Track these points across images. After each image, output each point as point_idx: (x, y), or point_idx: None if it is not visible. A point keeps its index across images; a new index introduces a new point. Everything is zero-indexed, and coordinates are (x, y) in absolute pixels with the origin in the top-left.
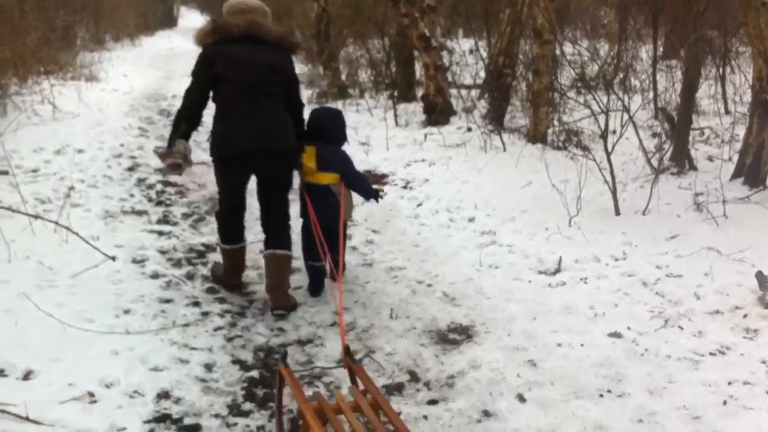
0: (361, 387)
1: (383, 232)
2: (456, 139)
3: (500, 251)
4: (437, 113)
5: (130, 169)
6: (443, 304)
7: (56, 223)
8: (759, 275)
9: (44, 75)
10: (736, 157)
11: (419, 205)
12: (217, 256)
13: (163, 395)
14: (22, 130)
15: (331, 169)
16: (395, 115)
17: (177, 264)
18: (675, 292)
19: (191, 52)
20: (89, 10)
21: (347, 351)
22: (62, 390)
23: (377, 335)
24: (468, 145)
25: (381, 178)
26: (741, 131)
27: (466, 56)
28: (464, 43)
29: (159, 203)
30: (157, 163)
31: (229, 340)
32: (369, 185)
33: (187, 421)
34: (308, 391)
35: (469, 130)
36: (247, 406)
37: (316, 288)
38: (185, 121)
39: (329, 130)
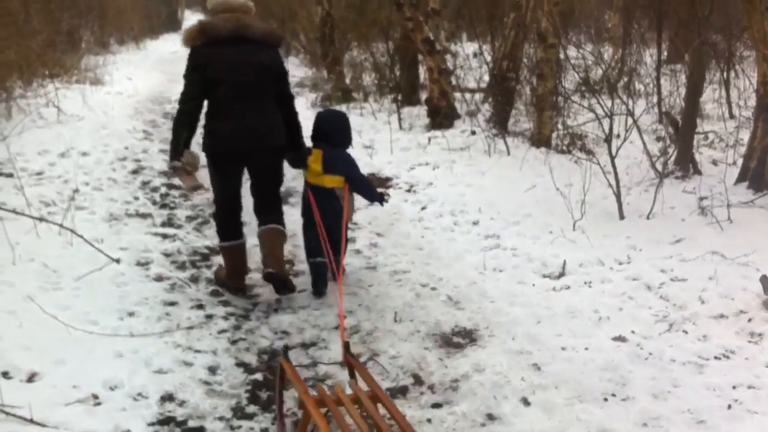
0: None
1: (387, 236)
2: (460, 143)
3: (504, 255)
4: (441, 117)
5: (135, 172)
6: (447, 307)
7: (61, 225)
8: (763, 279)
9: (49, 78)
10: (740, 161)
11: (423, 208)
12: (221, 260)
13: (167, 398)
14: (26, 133)
15: (337, 172)
16: (399, 119)
17: (181, 267)
18: (679, 296)
19: None
20: (94, 14)
21: (347, 347)
22: (66, 392)
23: (381, 338)
24: (472, 149)
25: (385, 182)
26: (745, 135)
27: (470, 60)
28: (468, 47)
29: (163, 206)
30: (161, 166)
31: (233, 342)
32: (374, 188)
33: (191, 423)
34: (311, 392)
35: (473, 133)
36: (251, 408)
37: (319, 285)
38: (185, 128)
39: (335, 133)
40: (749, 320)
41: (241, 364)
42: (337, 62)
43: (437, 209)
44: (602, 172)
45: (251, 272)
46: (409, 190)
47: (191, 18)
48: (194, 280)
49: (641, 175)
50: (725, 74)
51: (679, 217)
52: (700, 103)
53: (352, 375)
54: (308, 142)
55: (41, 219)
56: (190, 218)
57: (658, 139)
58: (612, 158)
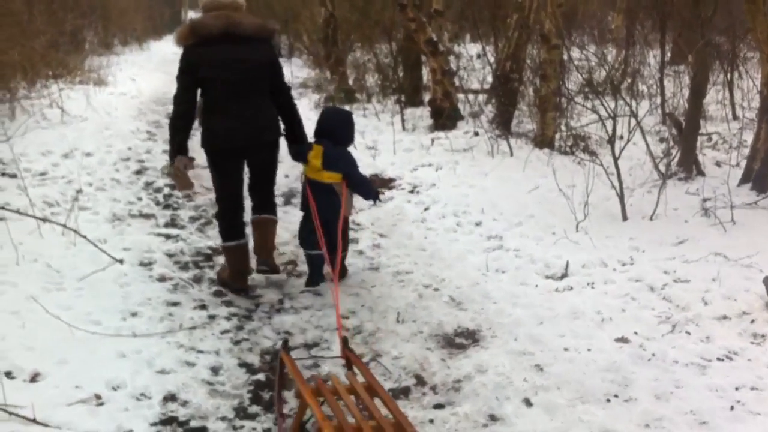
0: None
1: (390, 236)
2: (463, 144)
3: (507, 256)
4: (444, 118)
5: (138, 172)
6: (450, 308)
7: (64, 226)
8: (766, 280)
9: (53, 79)
10: (743, 163)
11: (426, 209)
12: (223, 260)
13: (170, 398)
14: (30, 134)
15: (336, 169)
16: (402, 120)
17: (184, 267)
18: (682, 297)
19: None
20: (97, 14)
21: (345, 342)
22: (69, 392)
23: (384, 339)
24: (475, 150)
25: (388, 182)
26: (749, 137)
27: (474, 61)
28: (471, 48)
29: (166, 206)
30: (164, 166)
31: (236, 343)
32: (371, 187)
33: (193, 423)
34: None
35: (476, 134)
36: (254, 409)
37: (314, 276)
38: (179, 131)
39: (339, 130)
40: (752, 321)
41: (243, 365)
42: (340, 63)
43: (440, 210)
44: (605, 174)
45: (254, 272)
46: (412, 191)
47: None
48: (197, 280)
49: (644, 176)
50: (729, 75)
51: (682, 219)
52: (704, 104)
53: (350, 368)
54: (311, 138)
55: (44, 219)
56: (193, 219)
57: (662, 140)
58: (615, 159)
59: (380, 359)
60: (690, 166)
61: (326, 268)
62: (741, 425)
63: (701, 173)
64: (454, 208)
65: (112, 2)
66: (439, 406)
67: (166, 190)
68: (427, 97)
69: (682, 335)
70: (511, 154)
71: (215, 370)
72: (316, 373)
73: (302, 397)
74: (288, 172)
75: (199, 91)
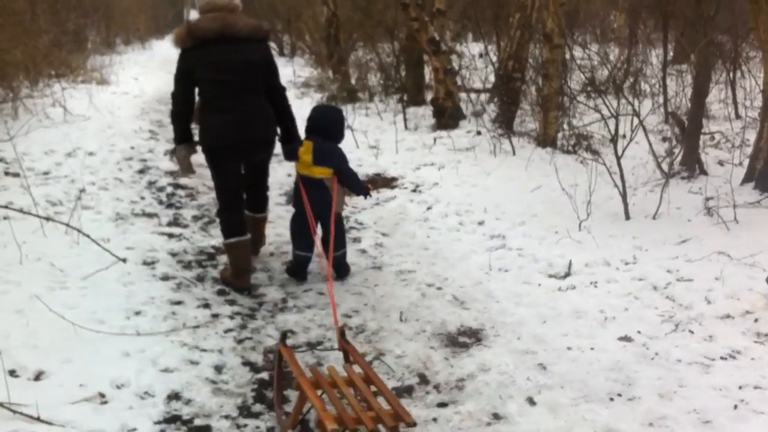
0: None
1: (393, 236)
2: (465, 143)
3: (510, 255)
4: (447, 117)
5: (141, 171)
6: (453, 307)
7: (67, 225)
8: None
9: (55, 78)
10: (746, 162)
11: (429, 208)
12: (226, 259)
13: (174, 396)
14: (33, 133)
15: (327, 164)
16: (404, 119)
17: (187, 266)
18: (685, 296)
19: None
20: (100, 14)
21: (342, 334)
22: (73, 391)
23: (387, 338)
24: (477, 149)
25: (390, 182)
26: (751, 136)
27: (476, 60)
28: (474, 47)
29: (169, 206)
30: (167, 165)
31: (240, 341)
32: (360, 182)
33: (197, 422)
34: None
35: (479, 133)
36: (258, 407)
37: (298, 275)
38: (179, 123)
39: (329, 127)
40: (755, 320)
41: (247, 363)
42: (343, 62)
43: (443, 209)
44: (608, 173)
45: (256, 271)
46: (414, 191)
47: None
48: (200, 279)
49: (647, 175)
50: (731, 75)
51: (685, 218)
52: (706, 103)
53: (347, 359)
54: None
55: (48, 218)
56: (196, 218)
57: (664, 139)
58: (618, 158)
59: (383, 358)
60: (693, 165)
61: (323, 263)
62: (744, 424)
63: (704, 172)
64: (457, 208)
65: (115, 2)
66: (442, 405)
67: (169, 189)
68: (429, 96)
69: (685, 334)
70: (514, 154)
71: (219, 369)
72: (314, 366)
73: (301, 389)
74: (290, 171)
75: (196, 91)
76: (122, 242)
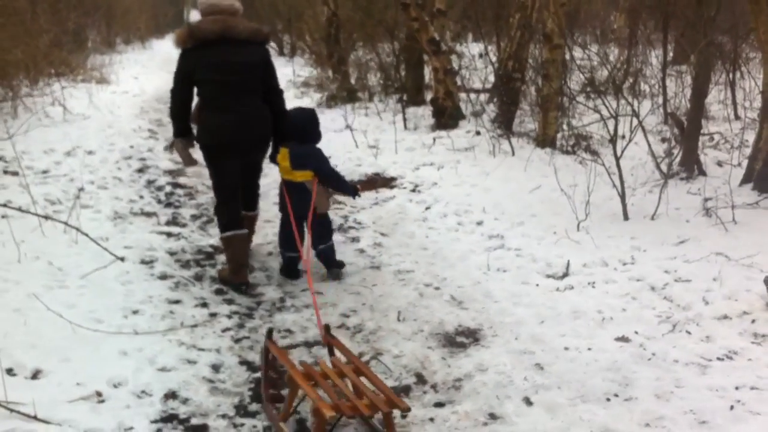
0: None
1: (391, 235)
2: (465, 143)
3: (508, 255)
4: (446, 117)
5: (140, 170)
6: (451, 307)
7: (66, 223)
8: (767, 281)
9: (55, 77)
10: (745, 163)
11: (427, 208)
12: (225, 258)
13: (171, 395)
14: (32, 132)
15: (305, 167)
16: (404, 119)
17: (185, 265)
18: (683, 296)
19: None
20: (101, 13)
21: (327, 329)
22: (70, 389)
23: (385, 338)
24: (477, 149)
25: (389, 182)
26: (750, 136)
27: (476, 60)
28: (474, 47)
29: (168, 205)
30: (166, 165)
31: (237, 341)
32: (345, 181)
33: (194, 421)
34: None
35: (478, 134)
36: (254, 406)
37: (291, 274)
38: (178, 118)
39: (304, 128)
40: (753, 321)
41: (244, 363)
42: (343, 62)
43: (442, 209)
44: (607, 173)
45: (255, 270)
46: (413, 190)
47: (197, 18)
48: (198, 278)
49: (646, 176)
50: (731, 75)
51: (684, 218)
52: (706, 104)
53: (331, 353)
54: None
55: (47, 217)
56: (194, 217)
57: (663, 140)
58: (617, 159)
59: (381, 358)
60: (692, 166)
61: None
62: (741, 425)
63: (703, 173)
64: (456, 208)
65: (116, 1)
66: (439, 405)
67: (168, 188)
68: (429, 96)
69: (682, 335)
70: (513, 154)
71: (216, 368)
72: (303, 360)
73: (294, 381)
74: None
75: (195, 90)
76: (121, 241)
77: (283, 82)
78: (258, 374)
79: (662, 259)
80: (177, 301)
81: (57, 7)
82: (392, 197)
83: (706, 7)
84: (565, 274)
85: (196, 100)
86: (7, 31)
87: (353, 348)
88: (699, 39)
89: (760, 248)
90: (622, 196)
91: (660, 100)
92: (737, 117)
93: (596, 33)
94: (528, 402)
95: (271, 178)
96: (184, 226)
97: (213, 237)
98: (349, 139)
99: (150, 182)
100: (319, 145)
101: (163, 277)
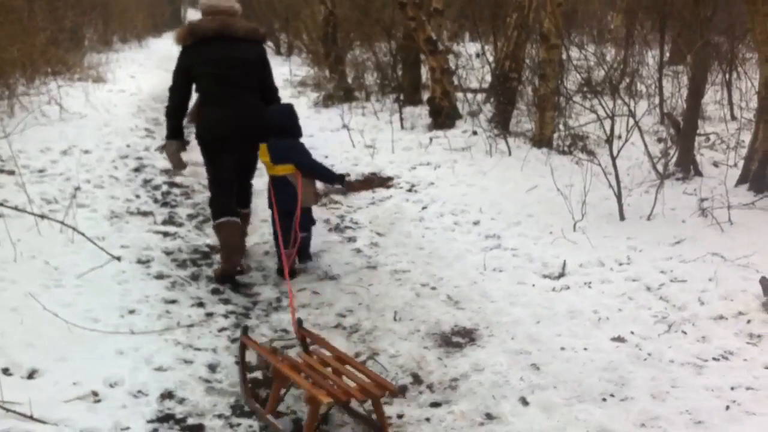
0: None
1: (388, 235)
2: (461, 143)
3: (505, 255)
4: (443, 117)
5: (137, 170)
6: (447, 307)
7: (62, 223)
8: (763, 281)
9: (52, 76)
10: (741, 163)
11: (424, 208)
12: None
13: (167, 395)
14: (29, 131)
15: (286, 161)
16: (401, 119)
17: (182, 265)
18: (679, 297)
19: None
20: (98, 11)
21: (300, 323)
22: (67, 389)
23: (381, 337)
24: (473, 149)
25: (386, 181)
26: (747, 137)
27: (473, 60)
28: (471, 47)
29: (164, 204)
30: (163, 164)
31: (234, 341)
32: (328, 171)
33: (190, 421)
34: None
35: (475, 133)
36: None
37: (281, 270)
38: (173, 118)
39: (283, 123)
40: (748, 322)
41: (240, 362)
42: (340, 61)
43: (438, 209)
44: (603, 173)
45: (252, 270)
46: (410, 190)
47: (194, 16)
48: (195, 278)
49: (642, 176)
50: (727, 76)
51: (680, 219)
52: (702, 104)
53: (305, 349)
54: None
55: (43, 216)
56: (191, 216)
57: (660, 140)
58: (613, 159)
59: (377, 357)
60: (688, 166)
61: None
62: (737, 425)
63: (699, 173)
64: (453, 207)
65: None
66: (435, 405)
67: (165, 188)
68: (425, 95)
69: (678, 335)
70: (510, 154)
71: (212, 368)
72: (285, 355)
73: (282, 373)
74: None
75: (193, 88)
76: (117, 240)
77: (279, 82)
78: (254, 374)
79: (658, 260)
80: (173, 301)
81: (54, 5)
82: (389, 197)
83: (702, 7)
84: (562, 274)
85: (194, 100)
86: (4, 30)
87: (349, 348)
88: (696, 39)
89: (756, 248)
90: (619, 197)
91: (656, 100)
92: (733, 117)
93: (593, 33)
94: (524, 402)
95: (267, 177)
96: (180, 225)
97: (209, 236)
98: (345, 138)
99: (146, 181)
100: (319, 145)
101: (160, 276)
